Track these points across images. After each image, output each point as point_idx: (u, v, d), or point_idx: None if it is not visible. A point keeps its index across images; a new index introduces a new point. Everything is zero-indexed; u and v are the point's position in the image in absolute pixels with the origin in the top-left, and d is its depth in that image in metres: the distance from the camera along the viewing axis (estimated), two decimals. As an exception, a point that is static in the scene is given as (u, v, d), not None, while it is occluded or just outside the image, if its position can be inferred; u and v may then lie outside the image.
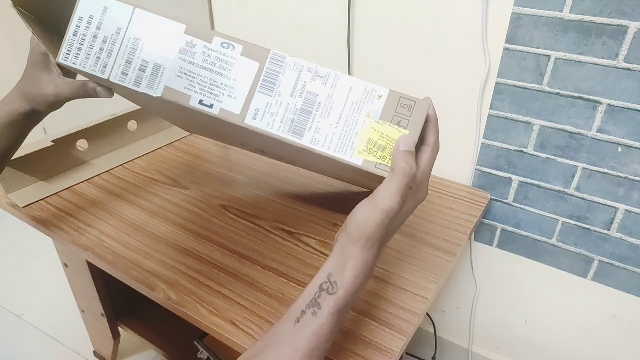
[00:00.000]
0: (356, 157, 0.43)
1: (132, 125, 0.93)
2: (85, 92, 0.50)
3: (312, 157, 0.47)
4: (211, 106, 0.44)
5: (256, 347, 0.41)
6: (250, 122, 0.44)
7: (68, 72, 0.53)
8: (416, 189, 0.42)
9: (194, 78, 0.44)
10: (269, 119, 0.43)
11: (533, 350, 0.98)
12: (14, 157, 0.74)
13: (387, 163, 0.42)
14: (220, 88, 0.44)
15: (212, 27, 1.05)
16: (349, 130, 0.43)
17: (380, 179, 0.43)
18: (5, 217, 0.80)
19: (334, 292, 0.40)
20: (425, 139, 0.43)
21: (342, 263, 0.41)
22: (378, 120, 0.42)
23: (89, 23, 0.45)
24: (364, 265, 0.41)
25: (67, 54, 0.45)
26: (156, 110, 0.64)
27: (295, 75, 0.43)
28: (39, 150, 0.78)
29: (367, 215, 0.40)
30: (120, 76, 0.45)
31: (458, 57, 0.78)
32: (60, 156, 0.82)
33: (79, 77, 0.51)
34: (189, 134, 1.01)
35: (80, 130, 0.84)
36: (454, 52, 0.78)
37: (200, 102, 0.44)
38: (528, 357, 1.00)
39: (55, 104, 0.53)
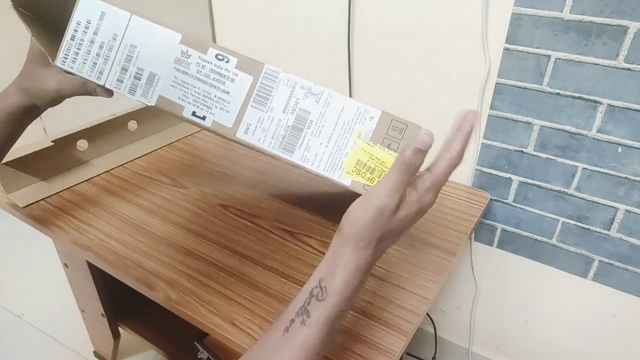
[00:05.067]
0: (344, 177, 0.43)
1: (132, 125, 0.93)
2: (85, 90, 0.50)
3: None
4: (204, 118, 0.44)
5: (244, 357, 0.39)
6: (241, 136, 0.44)
7: None
8: (423, 192, 0.39)
9: (187, 89, 0.44)
10: (260, 134, 0.43)
11: (533, 350, 0.98)
12: (14, 157, 0.74)
13: (375, 185, 0.42)
14: (213, 100, 0.44)
15: (212, 29, 1.05)
16: (338, 150, 0.43)
17: None
18: (5, 217, 0.80)
19: (323, 299, 0.38)
20: (449, 146, 0.39)
21: (333, 266, 0.39)
22: (368, 142, 0.42)
23: (86, 28, 0.45)
24: (355, 269, 0.38)
25: (64, 57, 0.45)
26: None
27: (288, 91, 0.43)
28: (39, 150, 0.78)
29: (359, 213, 0.38)
30: (116, 83, 0.45)
31: (458, 57, 0.78)
32: (60, 156, 0.82)
33: None
34: (189, 133, 1.01)
35: (80, 130, 0.84)
36: (454, 52, 0.78)
37: (193, 114, 0.44)
38: (528, 357, 1.00)
39: (57, 99, 0.53)
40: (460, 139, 0.39)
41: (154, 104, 0.44)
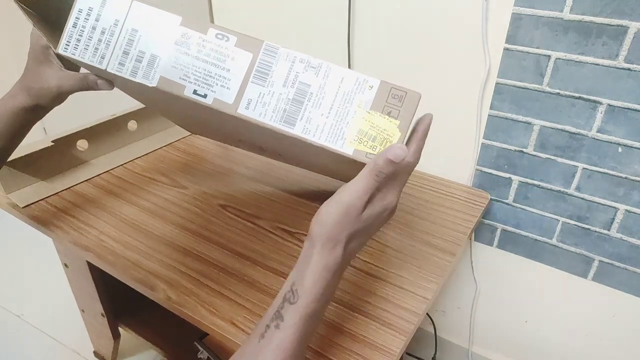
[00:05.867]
0: (347, 147, 0.43)
1: (132, 125, 0.93)
2: (86, 85, 0.51)
3: (305, 149, 0.48)
4: (205, 96, 0.45)
5: None
6: (242, 111, 0.44)
7: (69, 65, 0.54)
8: (385, 192, 0.41)
9: (188, 68, 0.45)
10: (261, 108, 0.44)
11: (533, 350, 0.98)
12: (14, 157, 0.74)
13: (378, 153, 0.42)
14: (214, 78, 0.44)
15: (211, 21, 1.05)
16: (340, 120, 0.43)
17: None
18: (5, 217, 0.80)
19: (295, 302, 0.38)
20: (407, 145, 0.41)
21: (303, 269, 0.39)
22: (369, 111, 0.43)
23: (88, 14, 0.45)
24: (323, 268, 0.39)
25: (66, 44, 0.46)
26: (155, 103, 0.65)
27: (287, 66, 0.44)
28: (39, 150, 0.78)
29: (328, 211, 0.39)
30: (118, 66, 0.46)
31: (458, 57, 0.78)
32: (60, 156, 0.82)
33: (82, 71, 0.51)
34: (189, 134, 1.01)
35: (80, 130, 0.84)
36: (454, 52, 0.78)
37: (194, 92, 0.45)
38: (528, 357, 1.00)
39: (59, 96, 0.53)
40: (415, 139, 0.41)
41: (155, 85, 0.45)
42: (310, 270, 0.39)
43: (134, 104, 0.91)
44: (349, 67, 0.89)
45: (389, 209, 0.42)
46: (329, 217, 0.39)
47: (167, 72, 0.45)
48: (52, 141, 0.80)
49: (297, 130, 0.44)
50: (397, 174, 0.41)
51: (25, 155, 0.76)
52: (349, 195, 0.39)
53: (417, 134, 0.42)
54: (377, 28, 0.83)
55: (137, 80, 0.45)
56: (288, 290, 0.39)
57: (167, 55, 0.45)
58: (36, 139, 0.79)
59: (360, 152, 0.43)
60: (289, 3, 0.91)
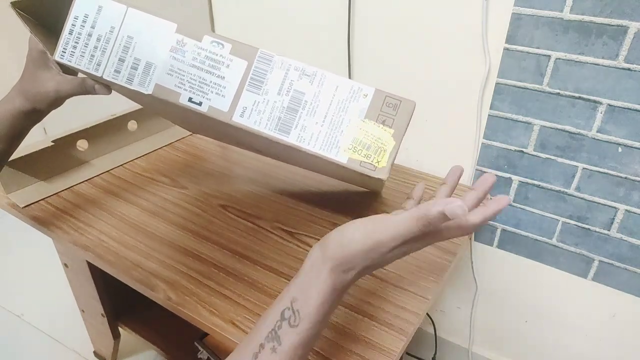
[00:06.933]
0: (341, 155, 0.43)
1: (132, 125, 0.93)
2: (84, 89, 0.51)
3: (301, 155, 0.48)
4: (200, 104, 0.44)
5: None
6: (237, 119, 0.44)
7: (67, 69, 0.54)
8: (419, 240, 0.39)
9: (183, 76, 0.44)
10: (256, 116, 0.44)
11: (533, 350, 0.98)
12: (14, 157, 0.74)
13: (372, 161, 0.42)
14: (209, 86, 0.44)
15: (212, 25, 1.05)
16: (334, 128, 0.43)
17: (370, 178, 0.43)
18: (5, 217, 0.80)
19: (295, 325, 0.36)
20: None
21: (308, 285, 0.37)
22: (363, 119, 0.43)
23: (84, 22, 0.45)
24: (331, 291, 0.36)
25: (62, 51, 0.46)
26: (153, 107, 0.65)
27: (282, 74, 0.44)
28: (39, 150, 0.78)
29: (355, 238, 0.36)
30: (113, 74, 0.46)
31: (458, 57, 0.78)
32: (60, 156, 0.82)
33: (80, 75, 0.51)
34: (189, 134, 1.01)
35: (80, 130, 0.84)
36: (454, 52, 0.78)
37: (190, 100, 0.45)
38: (528, 357, 1.00)
39: (56, 101, 0.53)
40: (484, 213, 0.39)
41: (150, 93, 0.45)
42: (318, 290, 0.36)
43: (134, 104, 0.91)
44: (349, 67, 0.89)
45: (410, 253, 0.39)
46: (353, 244, 0.36)
47: (163, 80, 0.45)
48: (52, 141, 0.80)
49: (291, 139, 0.44)
50: (443, 228, 0.38)
51: (25, 155, 0.76)
52: (384, 232, 0.36)
53: (489, 209, 0.39)
54: (377, 28, 0.83)
55: (132, 87, 0.45)
56: (287, 307, 0.36)
57: (163, 63, 0.45)
58: (36, 139, 0.79)
59: (355, 161, 0.43)
60: (289, 10, 0.91)
